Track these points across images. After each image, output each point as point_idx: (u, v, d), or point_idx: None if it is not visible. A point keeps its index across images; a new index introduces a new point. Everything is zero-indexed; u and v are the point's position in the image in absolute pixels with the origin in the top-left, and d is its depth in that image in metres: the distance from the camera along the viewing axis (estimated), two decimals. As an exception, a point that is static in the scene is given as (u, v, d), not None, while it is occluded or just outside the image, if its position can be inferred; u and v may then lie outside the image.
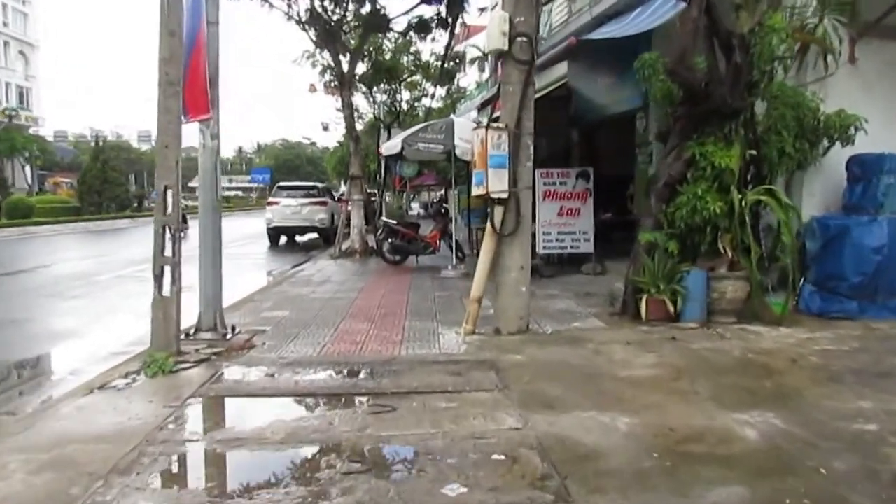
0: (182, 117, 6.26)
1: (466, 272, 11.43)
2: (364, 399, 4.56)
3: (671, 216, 6.88)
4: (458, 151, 10.34)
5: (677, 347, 5.88)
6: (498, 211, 6.40)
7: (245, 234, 26.15)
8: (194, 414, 4.38)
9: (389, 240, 13.33)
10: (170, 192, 5.79)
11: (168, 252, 5.86)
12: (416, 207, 57.15)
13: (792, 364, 5.33)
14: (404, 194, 45.95)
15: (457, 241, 13.67)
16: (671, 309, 6.74)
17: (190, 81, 6.22)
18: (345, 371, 5.33)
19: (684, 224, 6.76)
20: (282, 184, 24.78)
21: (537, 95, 6.92)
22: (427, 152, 10.69)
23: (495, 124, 6.36)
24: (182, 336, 6.33)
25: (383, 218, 13.76)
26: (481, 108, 13.83)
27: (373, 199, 31.35)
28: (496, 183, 6.28)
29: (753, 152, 6.72)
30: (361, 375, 5.14)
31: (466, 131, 10.86)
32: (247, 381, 5.09)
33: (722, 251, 6.82)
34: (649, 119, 11.77)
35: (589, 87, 14.26)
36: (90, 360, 6.67)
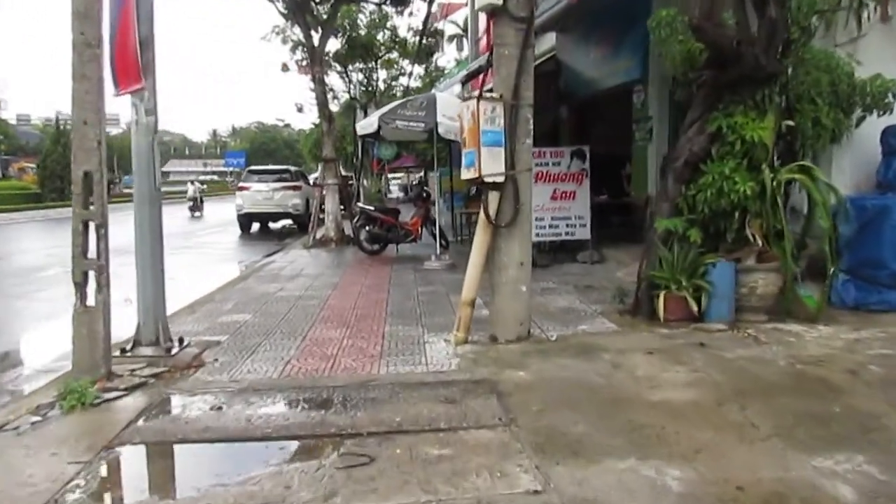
0: (113, 89, 5.21)
1: (452, 262, 10.44)
2: (333, 444, 3.55)
3: (692, 199, 5.92)
4: (440, 130, 9.29)
5: (710, 356, 4.94)
6: (493, 197, 5.39)
7: (216, 221, 24.98)
8: (106, 475, 3.33)
9: (367, 227, 12.28)
10: (93, 180, 4.70)
11: (92, 253, 4.79)
12: (395, 191, 55.88)
13: (853, 378, 4.41)
14: (383, 177, 44.76)
15: (440, 228, 12.70)
16: (694, 307, 5.81)
17: (119, 45, 5.12)
18: (311, 400, 4.31)
19: (708, 209, 5.81)
20: (252, 168, 23.55)
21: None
22: (406, 131, 9.65)
23: (489, 94, 5.33)
24: (117, 353, 5.29)
25: (360, 204, 12.69)
26: (465, 81, 12.75)
27: (350, 183, 30.22)
28: (490, 164, 5.27)
29: (791, 123, 5.76)
30: (331, 407, 4.13)
31: (450, 108, 9.81)
32: (186, 417, 4.06)
33: (751, 239, 5.89)
34: (648, 92, 10.79)
35: (580, 59, 13.24)
36: (6, 381, 5.60)
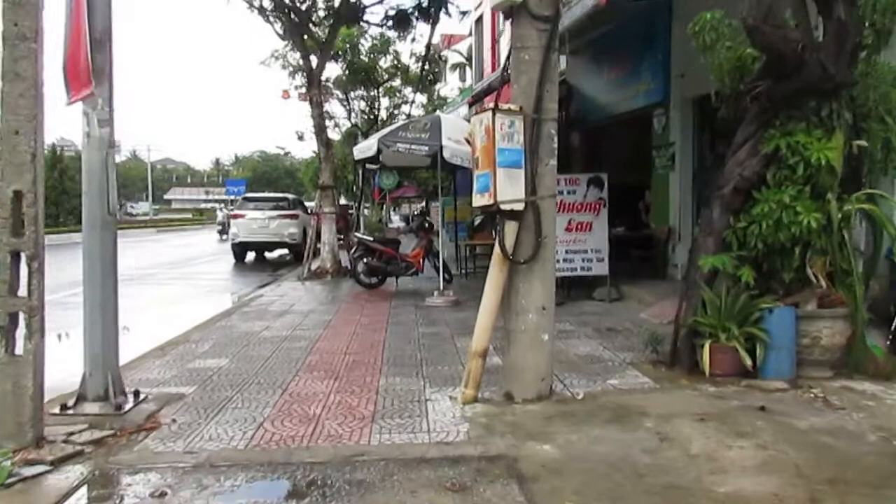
0: (65, 96, 4.41)
1: (456, 299, 9.55)
2: (303, 558, 2.63)
3: (742, 233, 5.05)
4: (446, 154, 8.47)
5: (777, 426, 4.02)
6: (510, 228, 4.53)
7: (210, 250, 24.15)
8: None
9: (365, 259, 11.42)
10: (24, 202, 3.85)
11: (23, 291, 3.92)
12: (396, 220, 55.18)
13: (968, 460, 3.50)
14: (384, 206, 44.08)
15: (444, 261, 11.85)
16: (747, 361, 4.90)
17: (72, 44, 4.32)
18: (280, 485, 3.39)
19: (762, 243, 4.94)
20: (248, 195, 22.77)
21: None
22: (408, 155, 8.85)
23: (506, 106, 4.49)
24: (57, 409, 4.40)
25: (357, 234, 11.85)
26: (474, 102, 11.98)
27: (350, 211, 29.44)
28: (508, 189, 4.41)
29: (863, 143, 4.91)
30: (306, 496, 3.21)
31: (456, 130, 9.02)
32: (117, 508, 3.14)
33: (812, 279, 5.01)
34: (670, 116, 10.00)
35: (592, 83, 12.51)
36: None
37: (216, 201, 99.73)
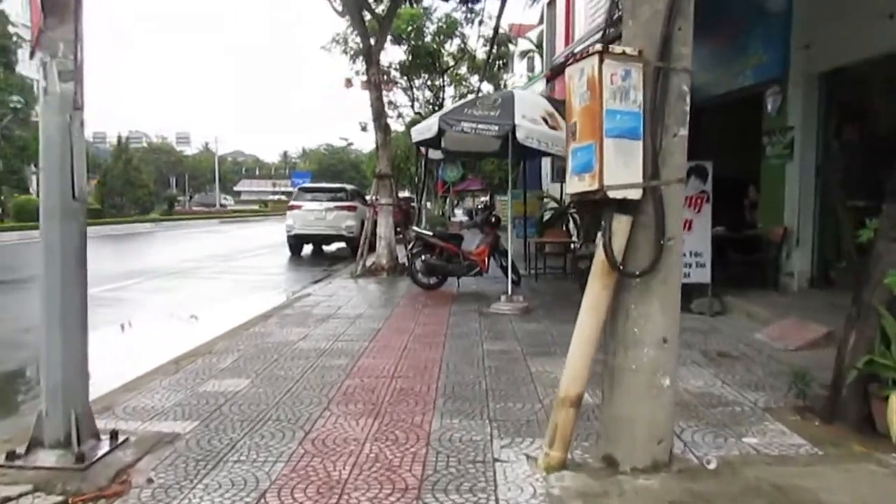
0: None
1: (526, 305, 8.22)
2: None
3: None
4: (519, 135, 7.12)
5: None
6: (620, 226, 3.17)
7: (268, 242, 23.39)
8: None
9: (423, 256, 10.20)
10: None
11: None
12: (459, 214, 53.91)
13: None
14: (447, 200, 42.96)
15: (512, 262, 10.55)
16: (953, 422, 3.41)
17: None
18: None
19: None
20: (305, 185, 21.95)
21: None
22: (474, 136, 7.53)
23: (619, 49, 3.13)
24: (3, 458, 3.32)
25: (415, 228, 10.64)
26: (552, 76, 10.55)
27: (412, 204, 28.35)
28: (619, 168, 3.06)
29: None
30: None
31: (532, 107, 7.68)
32: None
33: None
34: (788, 95, 8.37)
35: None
36: None
37: (282, 193, 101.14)
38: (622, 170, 3.07)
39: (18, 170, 34.04)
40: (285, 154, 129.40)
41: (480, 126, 7.14)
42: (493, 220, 10.67)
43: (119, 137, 34.86)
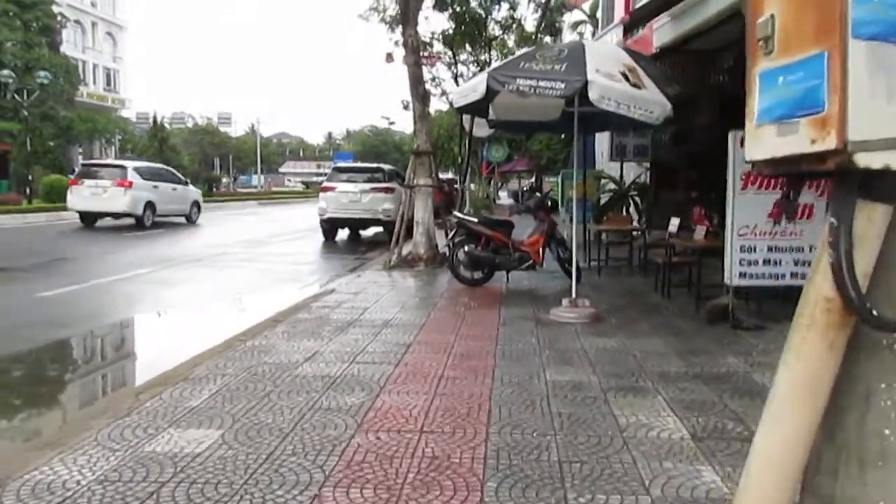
0: None
1: (594, 312, 6.61)
2: None
3: None
4: (593, 94, 5.44)
5: None
6: (873, 224, 1.55)
7: (303, 226, 22.00)
8: None
9: (466, 247, 8.66)
10: None
11: None
12: (504, 197, 51.95)
13: None
14: (491, 181, 41.24)
15: (574, 255, 8.97)
16: None
17: None
18: None
19: None
20: (339, 164, 20.56)
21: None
22: (532, 99, 5.90)
23: None
24: None
25: (457, 213, 9.09)
26: (631, 25, 8.81)
27: (455, 186, 26.72)
28: (880, 106, 1.44)
29: None
30: None
31: (608, 60, 6.00)
32: None
33: None
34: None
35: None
36: None
37: (325, 174, 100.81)
38: (886, 108, 1.45)
39: (53, 149, 33.56)
40: (329, 135, 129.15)
41: (542, 84, 5.50)
42: (549, 203, 9.04)
43: (154, 117, 34.00)
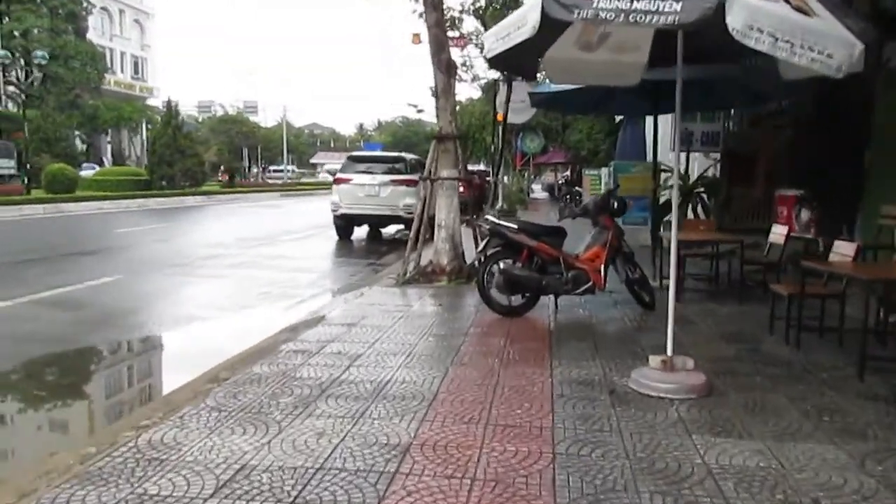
0: None
1: (701, 381, 4.26)
2: None
3: None
4: (736, 20, 2.85)
5: None
6: None
7: (321, 220, 19.82)
8: None
9: (502, 262, 6.39)
10: None
11: None
12: (537, 190, 49.27)
13: None
14: (525, 174, 38.73)
15: (641, 272, 6.72)
16: None
17: None
18: None
19: None
20: (354, 153, 18.32)
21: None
22: (616, 32, 3.59)
23: None
24: None
25: (490, 217, 6.78)
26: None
27: (487, 178, 24.33)
28: None
29: None
30: None
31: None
32: None
33: None
34: None
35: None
36: None
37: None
38: None
39: (65, 137, 32.05)
40: (361, 126, 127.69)
41: (641, 5, 3.16)
42: (614, 204, 6.69)
43: (168, 102, 32.15)
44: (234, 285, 8.98)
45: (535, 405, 3.90)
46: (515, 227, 6.45)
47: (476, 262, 6.90)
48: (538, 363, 4.79)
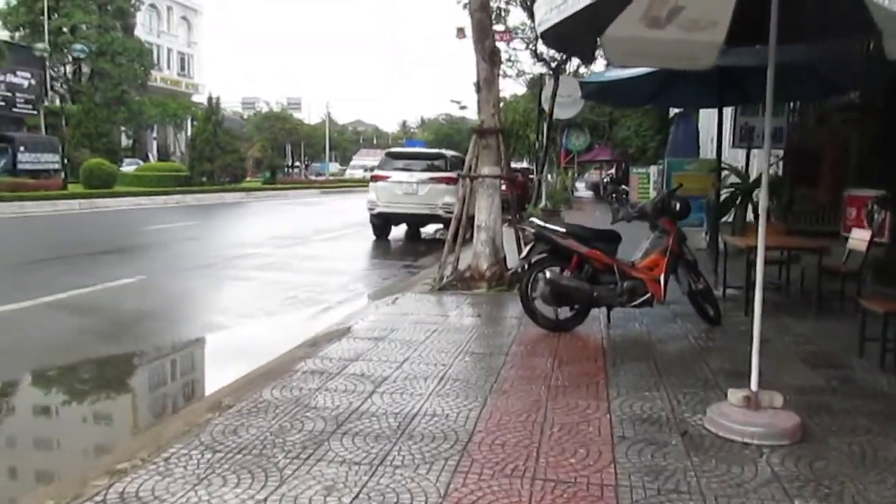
0: None
1: (800, 423, 3.50)
2: None
3: None
4: None
5: None
6: None
7: (358, 218, 19.40)
8: None
9: (548, 271, 5.70)
10: None
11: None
12: (581, 189, 48.11)
13: None
14: (569, 172, 37.69)
15: (706, 283, 6.00)
16: None
17: None
18: None
19: None
20: (392, 150, 17.78)
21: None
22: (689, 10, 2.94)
23: None
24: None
25: (536, 220, 6.08)
26: None
27: (531, 176, 23.49)
28: None
29: None
30: None
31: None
32: None
33: None
34: None
35: None
36: None
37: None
38: None
39: (108, 132, 32.26)
40: (404, 123, 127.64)
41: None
42: (676, 206, 5.93)
43: (210, 97, 32.09)
44: (259, 289, 8.46)
45: (591, 452, 3.21)
46: (564, 230, 5.74)
47: (519, 269, 6.21)
48: (592, 393, 4.09)
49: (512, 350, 5.12)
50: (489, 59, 7.75)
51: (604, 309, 5.87)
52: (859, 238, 6.59)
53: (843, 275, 6.56)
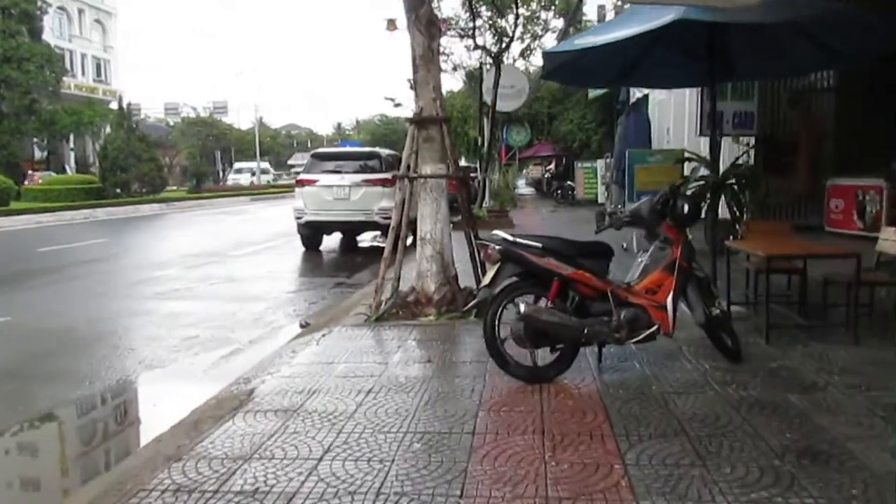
0: None
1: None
2: None
3: None
4: None
5: None
6: None
7: (287, 228, 17.61)
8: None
9: (522, 303, 4.19)
10: None
11: None
12: (521, 185, 47.00)
13: None
14: (510, 169, 36.52)
15: (724, 310, 4.59)
16: None
17: None
18: None
19: None
20: (318, 151, 16.07)
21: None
22: None
23: None
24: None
25: (499, 233, 4.57)
26: None
27: (473, 175, 22.03)
28: None
29: None
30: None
31: None
32: None
33: None
34: None
35: None
36: None
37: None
38: None
39: (7, 144, 29.28)
40: (339, 126, 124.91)
41: None
42: (683, 208, 4.51)
43: (120, 101, 29.46)
44: (151, 328, 6.71)
45: None
46: (540, 245, 4.25)
47: (477, 300, 4.69)
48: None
49: (479, 423, 3.59)
50: (426, 30, 6.21)
51: (593, 347, 4.42)
52: (892, 238, 5.36)
53: (872, 285, 5.33)
